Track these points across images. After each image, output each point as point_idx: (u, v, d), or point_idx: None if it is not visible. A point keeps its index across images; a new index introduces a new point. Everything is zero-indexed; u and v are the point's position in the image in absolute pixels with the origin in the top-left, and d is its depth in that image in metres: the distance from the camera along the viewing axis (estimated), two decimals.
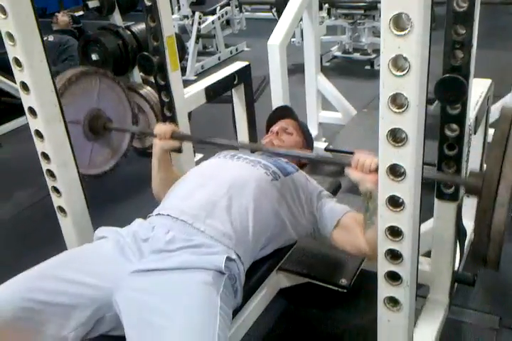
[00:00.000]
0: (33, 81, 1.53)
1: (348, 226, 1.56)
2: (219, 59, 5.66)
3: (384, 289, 1.19)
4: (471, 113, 1.65)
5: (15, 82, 1.59)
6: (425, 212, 1.16)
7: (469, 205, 2.22)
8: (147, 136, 1.93)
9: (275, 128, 1.90)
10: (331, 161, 1.53)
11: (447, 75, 1.39)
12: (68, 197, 1.71)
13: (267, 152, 1.75)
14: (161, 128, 1.75)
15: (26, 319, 1.24)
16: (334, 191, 2.22)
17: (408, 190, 1.06)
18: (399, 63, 0.95)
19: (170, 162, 1.81)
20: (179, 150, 1.85)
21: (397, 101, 0.98)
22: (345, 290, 1.81)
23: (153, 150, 1.76)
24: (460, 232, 1.73)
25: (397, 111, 0.98)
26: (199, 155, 3.17)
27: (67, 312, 1.27)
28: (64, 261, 1.39)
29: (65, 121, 1.63)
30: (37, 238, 2.67)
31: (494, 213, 1.17)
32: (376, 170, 1.30)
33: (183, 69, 5.02)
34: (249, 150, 1.97)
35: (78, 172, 1.72)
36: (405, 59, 0.94)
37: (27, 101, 1.58)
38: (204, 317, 1.20)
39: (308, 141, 1.95)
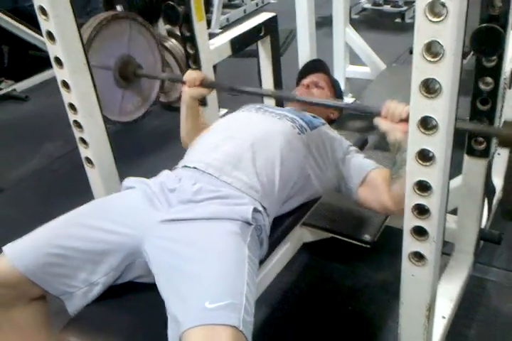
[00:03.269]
0: (59, 30, 1.51)
1: (375, 182, 1.53)
2: (244, 12, 5.53)
3: (409, 244, 1.18)
4: (507, 66, 1.59)
5: (41, 35, 1.57)
6: (453, 169, 1.13)
7: (499, 163, 2.18)
8: (177, 82, 1.88)
9: (306, 81, 1.86)
10: (360, 110, 1.48)
11: (484, 25, 1.34)
12: (95, 148, 1.72)
13: (296, 101, 1.72)
14: (191, 74, 1.72)
15: (58, 265, 1.28)
16: (361, 147, 2.19)
17: (439, 143, 1.03)
18: (436, 8, 0.90)
19: (198, 111, 1.79)
20: (204, 104, 1.83)
21: (432, 50, 0.94)
22: (368, 246, 1.82)
23: (182, 97, 1.75)
24: (489, 190, 1.71)
25: (432, 60, 0.94)
26: (223, 110, 3.15)
27: (97, 258, 1.31)
28: (91, 210, 1.41)
29: (91, 72, 1.63)
30: (66, 189, 2.72)
31: None
32: (407, 119, 1.25)
33: (208, 23, 4.92)
34: (277, 102, 1.95)
35: (105, 123, 1.72)
36: (443, 4, 0.90)
37: (53, 51, 1.57)
38: (234, 264, 1.21)
39: (338, 97, 1.91)
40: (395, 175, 1.40)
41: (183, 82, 1.73)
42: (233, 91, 1.75)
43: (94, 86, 1.64)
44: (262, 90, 1.69)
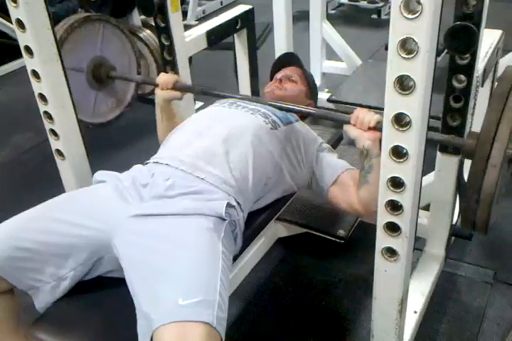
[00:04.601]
0: (29, 18, 1.47)
1: (345, 184, 1.55)
2: (221, 3, 5.49)
3: (382, 240, 1.19)
4: (480, 64, 1.61)
5: (11, 22, 1.53)
6: (425, 165, 1.13)
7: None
8: (150, 85, 1.91)
9: (279, 75, 1.85)
10: (330, 117, 1.50)
11: (458, 23, 1.35)
12: (66, 139, 1.68)
13: (268, 104, 1.71)
14: (163, 77, 1.71)
15: (24, 259, 1.26)
16: (336, 142, 2.20)
17: (413, 140, 1.03)
18: (411, 5, 0.90)
19: (173, 111, 1.78)
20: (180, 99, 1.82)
21: (407, 46, 0.94)
22: (342, 241, 1.82)
23: (156, 100, 1.74)
24: (460, 186, 1.73)
25: (407, 56, 0.94)
26: (199, 103, 3.13)
27: (64, 252, 1.29)
28: (60, 203, 1.39)
29: (62, 61, 1.59)
30: (36, 181, 2.68)
31: (485, 175, 1.14)
32: (374, 127, 1.31)
33: (184, 14, 4.88)
34: (253, 92, 1.92)
35: (76, 114, 1.69)
36: (418, 1, 0.89)
37: (23, 39, 1.52)
38: (207, 259, 1.20)
39: (312, 91, 1.89)
40: (363, 179, 1.41)
41: (156, 85, 1.72)
42: (205, 94, 1.74)
43: (66, 76, 1.61)
44: (233, 94, 1.69)
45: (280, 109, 1.59)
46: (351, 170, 1.58)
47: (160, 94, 1.71)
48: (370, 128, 1.32)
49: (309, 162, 1.61)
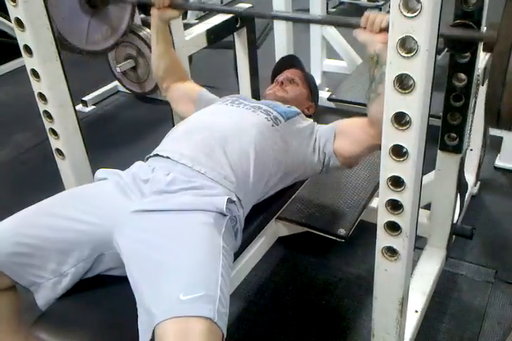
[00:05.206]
0: (28, 17, 1.47)
1: (346, 130, 1.54)
2: (221, 2, 5.48)
3: (383, 239, 1.19)
4: (480, 63, 1.60)
5: (11, 21, 1.53)
6: (426, 164, 1.13)
7: (471, 159, 2.21)
8: (145, 4, 1.79)
9: (280, 77, 1.84)
10: (338, 22, 1.44)
11: (458, 21, 1.34)
12: (66, 139, 1.68)
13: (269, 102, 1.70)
14: None
15: (26, 254, 1.26)
16: None
17: (413, 139, 1.02)
18: (410, 4, 0.90)
19: (169, 36, 1.77)
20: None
21: (406, 45, 0.93)
22: (343, 240, 1.82)
23: (152, 22, 1.72)
24: (461, 185, 1.72)
25: (406, 55, 0.94)
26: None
27: (66, 248, 1.29)
28: (62, 200, 1.39)
29: (61, 60, 1.59)
30: (37, 180, 2.67)
31: (511, 56, 1.04)
32: (386, 29, 1.22)
33: (184, 13, 4.87)
34: (254, 93, 1.92)
35: (76, 113, 1.69)
36: (417, 0, 0.89)
37: (22, 38, 1.53)
38: (208, 255, 1.20)
39: (313, 93, 1.89)
40: (373, 93, 1.35)
41: (153, 4, 1.68)
42: (202, 10, 1.71)
43: (65, 75, 1.60)
44: (229, 8, 1.61)
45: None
46: (343, 119, 1.58)
47: (156, 14, 1.69)
48: (382, 30, 1.27)
49: (315, 148, 1.59)
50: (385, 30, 1.25)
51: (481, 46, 1.51)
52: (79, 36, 2.02)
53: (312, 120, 1.70)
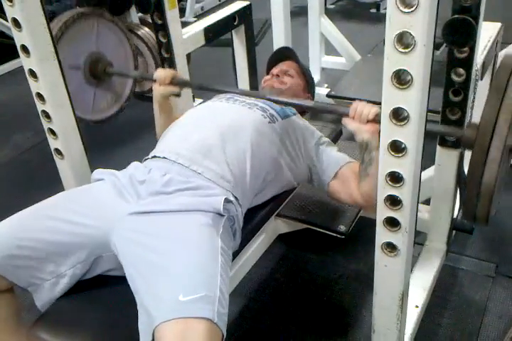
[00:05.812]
0: (25, 17, 1.47)
1: (346, 177, 1.54)
2: (219, 0, 5.48)
3: (382, 235, 1.19)
4: (479, 57, 1.60)
5: (8, 21, 1.52)
6: (425, 160, 1.13)
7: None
8: (147, 80, 1.88)
9: (275, 70, 1.84)
10: (328, 110, 1.50)
11: (456, 16, 1.34)
12: (65, 139, 1.68)
13: (267, 99, 1.71)
14: (161, 73, 1.70)
15: (24, 257, 1.26)
16: (335, 138, 2.19)
17: (411, 134, 1.02)
18: None
19: (171, 107, 1.78)
20: (178, 95, 1.82)
21: (404, 41, 0.93)
22: (343, 237, 1.82)
23: (154, 95, 1.74)
24: (461, 180, 1.72)
25: (403, 51, 0.94)
26: (198, 101, 3.12)
27: (64, 250, 1.29)
28: (59, 202, 1.39)
29: (59, 60, 1.58)
30: (36, 181, 2.68)
31: (485, 168, 1.13)
32: (373, 120, 1.30)
33: (182, 11, 4.87)
34: (252, 88, 1.92)
35: (74, 113, 1.68)
36: None
37: (19, 38, 1.52)
38: (207, 255, 1.20)
39: (309, 85, 1.89)
40: (363, 172, 1.41)
41: (154, 80, 1.71)
42: (203, 89, 1.74)
43: (63, 75, 1.60)
44: (231, 88, 1.68)
45: (279, 103, 1.58)
46: (351, 163, 1.58)
47: (158, 90, 1.71)
48: (369, 121, 1.32)
49: (309, 156, 1.61)
50: (372, 121, 1.32)
51: (478, 41, 1.52)
52: (86, 107, 2.07)
53: (314, 127, 1.71)
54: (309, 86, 1.88)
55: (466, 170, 1.79)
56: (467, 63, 1.46)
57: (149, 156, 1.50)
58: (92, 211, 1.34)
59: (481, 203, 1.20)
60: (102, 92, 2.16)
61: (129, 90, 2.33)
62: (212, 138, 1.46)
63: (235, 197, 1.40)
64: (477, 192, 1.17)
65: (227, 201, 1.34)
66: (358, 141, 1.36)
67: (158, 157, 1.45)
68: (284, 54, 1.95)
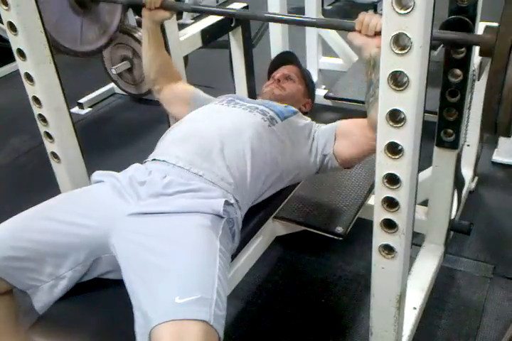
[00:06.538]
0: (21, 21, 1.46)
1: (345, 130, 1.53)
2: (217, 2, 5.48)
3: (379, 237, 1.18)
4: (476, 58, 1.60)
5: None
6: (422, 161, 1.13)
7: (468, 154, 2.21)
8: (136, 5, 1.75)
9: (277, 74, 1.84)
10: (332, 25, 1.41)
11: (453, 16, 1.34)
12: (61, 142, 1.68)
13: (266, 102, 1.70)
14: None
15: (23, 258, 1.26)
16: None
17: (408, 136, 1.02)
18: (403, 0, 0.89)
19: (161, 39, 1.74)
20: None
21: (400, 42, 0.93)
22: (341, 238, 1.82)
23: (143, 22, 1.69)
24: (458, 181, 1.72)
25: (400, 52, 0.93)
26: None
27: (62, 252, 1.28)
28: (58, 203, 1.38)
29: (55, 64, 1.58)
30: (33, 184, 2.66)
31: (507, 71, 1.06)
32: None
33: (180, 13, 4.86)
34: (250, 93, 1.92)
35: (71, 116, 1.68)
36: None
37: (15, 42, 1.52)
38: (204, 257, 1.19)
39: (310, 90, 1.89)
40: (372, 97, 1.32)
41: (143, 5, 1.65)
42: (195, 11, 1.67)
43: (59, 78, 1.60)
44: (224, 9, 1.60)
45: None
46: (341, 120, 1.57)
47: (147, 15, 1.66)
48: (377, 34, 1.24)
49: (312, 151, 1.59)
50: (380, 33, 1.24)
51: None
52: (73, 38, 2.01)
53: (310, 119, 1.70)
54: (310, 91, 1.89)
55: (463, 171, 1.80)
56: (464, 64, 1.46)
57: (149, 159, 1.49)
58: (91, 212, 1.33)
59: (504, 108, 1.11)
60: (89, 22, 2.08)
61: (117, 20, 2.25)
62: (212, 142, 1.46)
63: (235, 200, 1.40)
64: (498, 98, 1.09)
65: (227, 203, 1.34)
66: (366, 57, 1.29)
67: (158, 160, 1.45)
68: (286, 58, 1.96)
